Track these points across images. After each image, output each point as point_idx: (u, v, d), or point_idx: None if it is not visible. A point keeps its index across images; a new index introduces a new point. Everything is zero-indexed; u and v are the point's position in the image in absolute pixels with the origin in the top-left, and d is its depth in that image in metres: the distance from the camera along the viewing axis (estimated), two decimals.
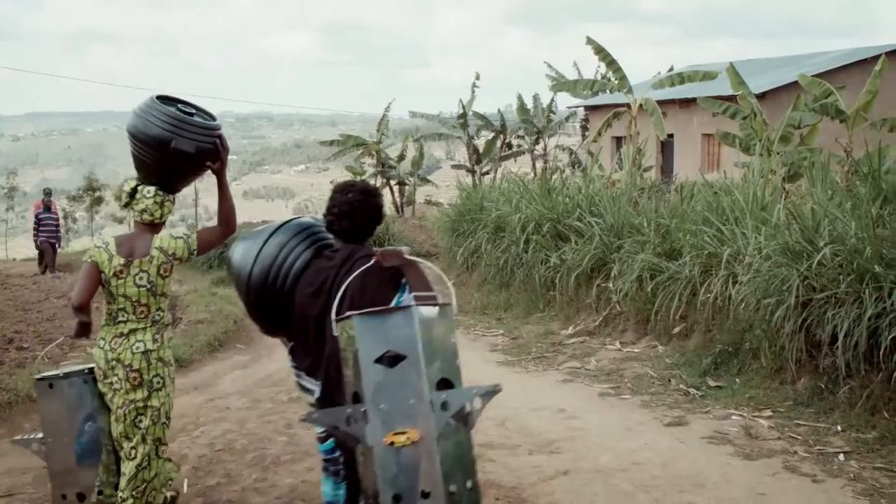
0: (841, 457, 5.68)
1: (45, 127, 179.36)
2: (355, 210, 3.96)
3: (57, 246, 19.91)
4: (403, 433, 3.15)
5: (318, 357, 3.90)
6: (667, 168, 25.47)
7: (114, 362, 4.69)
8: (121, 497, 4.73)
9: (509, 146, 29.16)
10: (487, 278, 12.40)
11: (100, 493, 4.85)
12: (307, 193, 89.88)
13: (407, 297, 3.69)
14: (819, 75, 16.89)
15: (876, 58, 13.34)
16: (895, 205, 7.59)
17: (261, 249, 4.05)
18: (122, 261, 4.68)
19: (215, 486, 5.65)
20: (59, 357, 9.35)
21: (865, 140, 10.05)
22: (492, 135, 28.74)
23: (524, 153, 29.68)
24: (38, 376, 5.02)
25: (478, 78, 27.66)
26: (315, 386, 3.94)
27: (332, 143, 28.48)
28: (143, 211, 4.79)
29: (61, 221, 21.04)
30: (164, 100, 4.79)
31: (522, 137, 29.73)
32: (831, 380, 6.58)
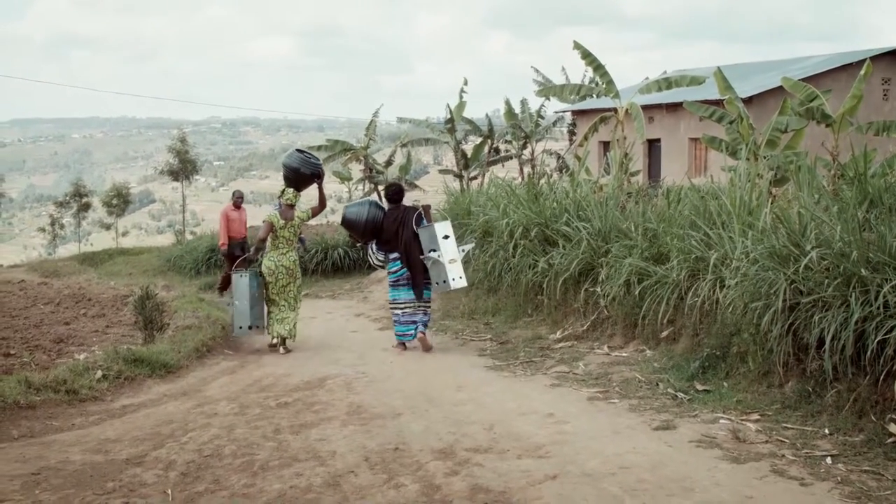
0: (828, 460, 5.68)
1: (31, 133, 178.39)
2: (398, 192, 10.46)
3: None
4: (454, 259, 9.89)
5: (395, 245, 10.14)
6: (654, 172, 25.54)
7: (281, 266, 10.53)
8: (286, 328, 10.56)
9: (497, 151, 29.16)
10: (475, 283, 12.38)
11: (256, 326, 10.67)
12: None
13: (425, 223, 10.10)
14: (805, 79, 16.96)
15: (861, 62, 13.40)
16: (881, 208, 7.61)
17: (369, 210, 10.27)
18: (283, 222, 10.54)
19: (203, 492, 5.62)
20: (46, 363, 9.33)
21: (851, 144, 10.09)
22: (479, 140, 28.72)
23: (512, 158, 29.68)
24: (234, 272, 10.66)
25: (466, 83, 27.62)
26: (383, 257, 10.31)
27: (319, 148, 28.40)
28: (288, 199, 10.64)
29: None
30: (299, 150, 11.07)
31: (510, 142, 29.74)
32: (818, 383, 6.58)
